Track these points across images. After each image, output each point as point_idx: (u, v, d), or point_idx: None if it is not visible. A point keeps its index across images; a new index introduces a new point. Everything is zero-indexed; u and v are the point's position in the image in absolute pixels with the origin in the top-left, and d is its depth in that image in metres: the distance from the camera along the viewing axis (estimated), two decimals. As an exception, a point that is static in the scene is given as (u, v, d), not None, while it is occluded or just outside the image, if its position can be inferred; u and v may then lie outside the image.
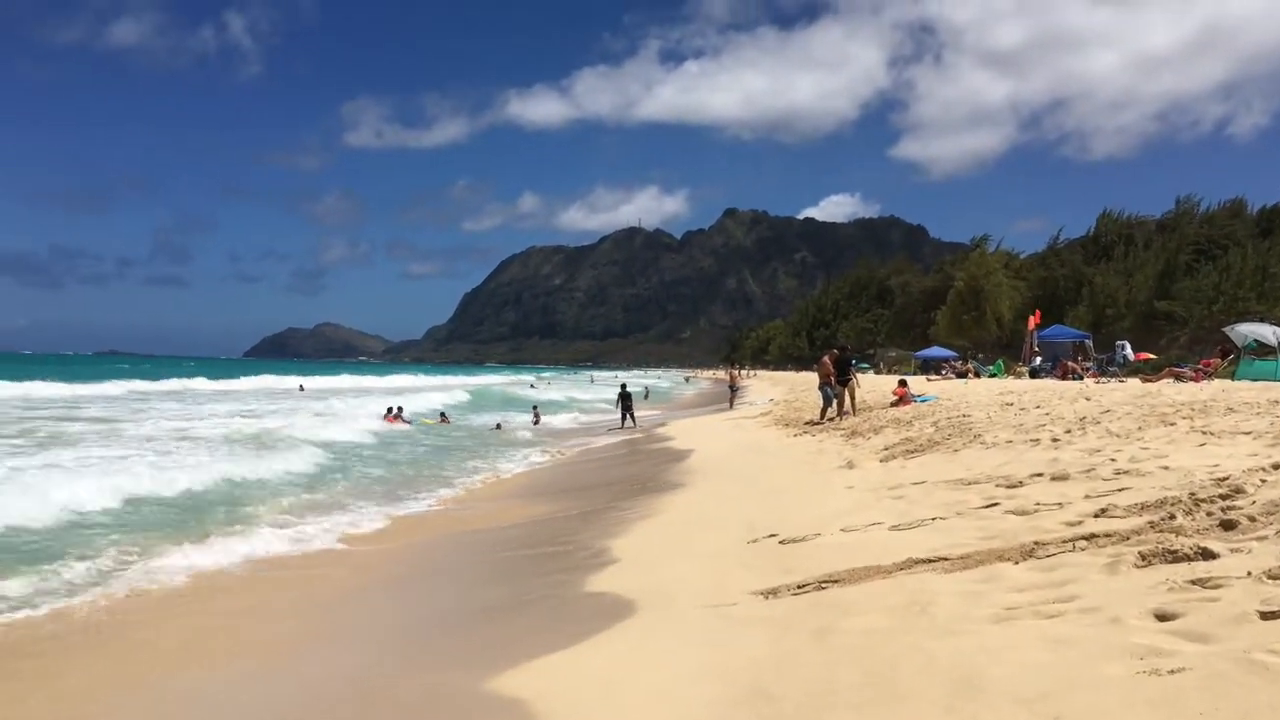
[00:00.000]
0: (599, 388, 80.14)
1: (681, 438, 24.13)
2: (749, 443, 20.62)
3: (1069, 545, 5.80)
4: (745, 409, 35.36)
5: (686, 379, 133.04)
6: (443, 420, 34.20)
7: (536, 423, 34.54)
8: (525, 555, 9.79)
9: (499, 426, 32.26)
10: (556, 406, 48.74)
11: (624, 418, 31.26)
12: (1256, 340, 27.98)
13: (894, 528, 7.57)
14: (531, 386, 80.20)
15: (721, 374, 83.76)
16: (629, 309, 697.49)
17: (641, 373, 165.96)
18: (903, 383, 24.47)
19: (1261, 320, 34.10)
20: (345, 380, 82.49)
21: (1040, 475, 8.71)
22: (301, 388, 67.46)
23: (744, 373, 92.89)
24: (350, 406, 39.94)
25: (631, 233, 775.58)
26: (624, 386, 33.44)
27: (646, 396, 60.02)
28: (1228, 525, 5.42)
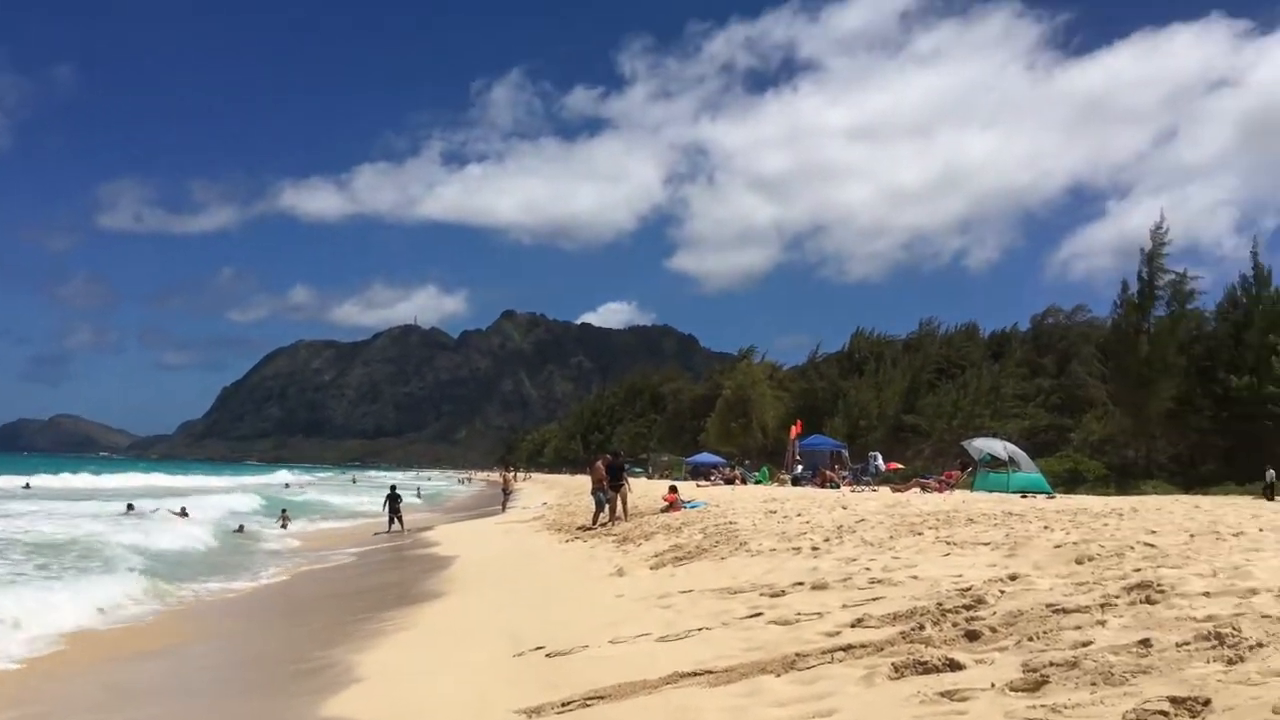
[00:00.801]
0: (362, 489, 76.43)
1: (449, 543, 23.34)
2: (519, 549, 20.19)
3: (828, 656, 5.84)
4: (518, 513, 34.79)
5: (462, 481, 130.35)
6: (182, 514, 31.52)
7: (284, 527, 31.86)
8: (256, 676, 8.94)
9: (241, 529, 29.12)
10: (313, 509, 45.95)
11: (391, 521, 29.88)
12: (990, 454, 30.56)
13: (662, 639, 7.44)
14: (286, 486, 75.56)
15: (496, 476, 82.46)
16: (402, 408, 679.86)
17: (415, 473, 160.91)
18: (673, 488, 24.86)
19: (994, 435, 37.37)
20: (83, 479, 74.93)
21: (801, 584, 8.86)
22: (27, 485, 60.71)
23: (518, 475, 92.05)
24: (80, 509, 36.08)
25: (407, 330, 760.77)
26: (393, 488, 32.11)
27: (419, 496, 58.05)
28: (972, 635, 5.62)
